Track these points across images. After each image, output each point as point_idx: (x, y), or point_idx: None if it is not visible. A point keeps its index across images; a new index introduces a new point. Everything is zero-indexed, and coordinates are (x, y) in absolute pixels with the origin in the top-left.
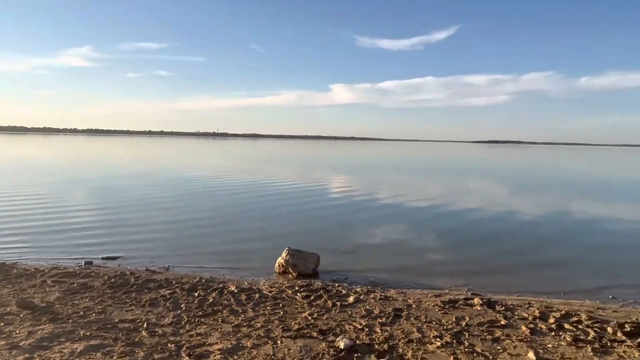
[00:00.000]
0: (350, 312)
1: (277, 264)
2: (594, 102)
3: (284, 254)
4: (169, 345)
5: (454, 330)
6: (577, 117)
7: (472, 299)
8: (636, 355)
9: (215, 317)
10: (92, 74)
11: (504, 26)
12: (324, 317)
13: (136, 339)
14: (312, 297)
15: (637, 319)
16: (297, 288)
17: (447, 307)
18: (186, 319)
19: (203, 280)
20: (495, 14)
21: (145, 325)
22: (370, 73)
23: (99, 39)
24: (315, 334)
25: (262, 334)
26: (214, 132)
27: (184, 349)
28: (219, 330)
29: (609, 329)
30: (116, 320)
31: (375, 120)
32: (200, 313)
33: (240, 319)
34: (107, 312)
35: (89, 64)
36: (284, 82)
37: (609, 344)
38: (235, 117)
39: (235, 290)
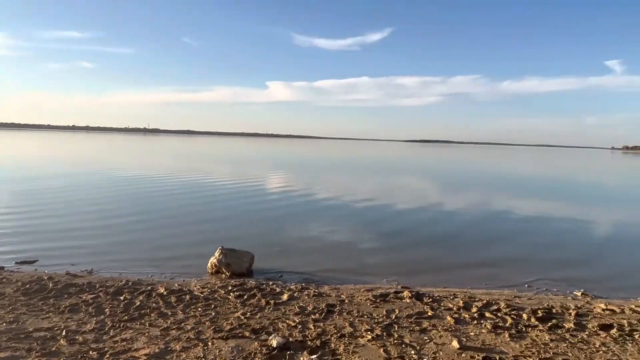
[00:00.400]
0: (283, 310)
1: (209, 264)
2: (516, 104)
3: (216, 254)
4: (90, 353)
5: (385, 323)
6: (501, 118)
7: (402, 292)
8: (546, 338)
9: (143, 321)
10: (8, 63)
11: (434, 31)
12: (257, 316)
13: (53, 348)
14: (245, 297)
15: (548, 305)
16: (230, 288)
17: (378, 300)
18: (110, 324)
19: (130, 283)
20: (427, 19)
21: (64, 333)
22: (307, 71)
23: (16, 25)
24: (247, 334)
25: (192, 336)
26: (144, 128)
27: (107, 356)
28: (146, 334)
29: (524, 315)
30: (30, 329)
31: (312, 119)
32: (126, 317)
33: (169, 321)
34: (19, 320)
35: (5, 52)
36: (219, 78)
37: (524, 329)
38: (168, 112)
39: (165, 292)
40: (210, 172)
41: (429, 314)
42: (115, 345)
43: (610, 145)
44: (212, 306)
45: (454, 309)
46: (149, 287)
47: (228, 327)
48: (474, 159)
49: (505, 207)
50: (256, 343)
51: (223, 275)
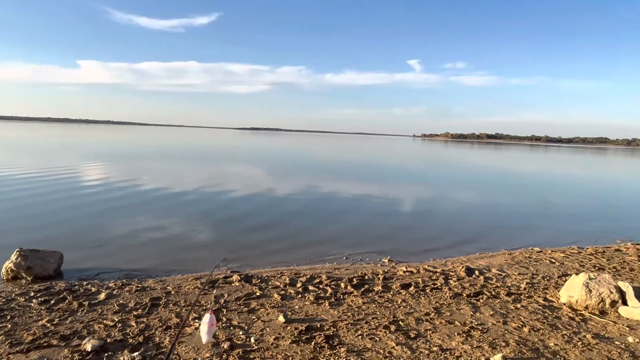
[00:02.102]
0: (100, 310)
1: (4, 270)
2: (337, 95)
3: (13, 257)
4: None
5: (213, 309)
6: (324, 107)
7: (231, 276)
8: (360, 302)
9: None
10: None
11: (262, 19)
12: (68, 321)
13: None
14: (52, 301)
15: (361, 273)
16: (32, 294)
17: (207, 288)
18: None
19: None
20: (255, 5)
21: None
22: (127, 52)
23: None
24: (55, 342)
25: None
26: None
27: None
28: None
29: (342, 284)
30: None
31: (134, 104)
32: None
33: None
34: None
35: None
36: (14, 53)
37: (341, 297)
38: None
39: None
40: (4, 162)
41: (258, 293)
42: None
43: (412, 133)
44: (8, 317)
45: (281, 286)
46: None
47: (30, 338)
48: (301, 146)
49: (327, 191)
50: (66, 350)
51: (23, 281)
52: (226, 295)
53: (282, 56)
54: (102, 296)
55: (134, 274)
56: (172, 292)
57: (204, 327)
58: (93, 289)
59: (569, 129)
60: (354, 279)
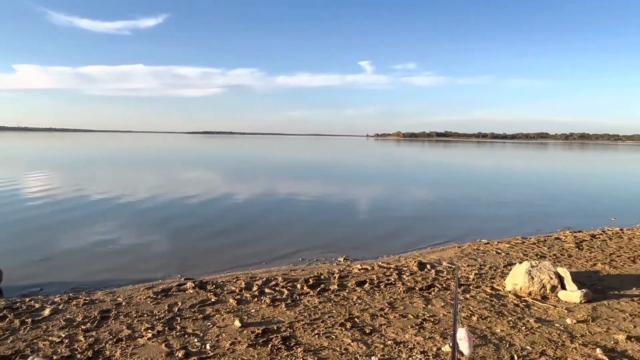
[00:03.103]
0: (45, 327)
1: None
2: (290, 98)
3: None
4: None
5: (166, 317)
6: (278, 110)
7: (185, 284)
8: (316, 302)
9: None
10: None
11: (212, 21)
12: (9, 341)
13: None
14: None
15: (317, 273)
16: None
17: (159, 297)
18: None
19: None
20: (203, 7)
21: None
22: (70, 55)
23: None
24: None
25: None
26: None
27: None
28: None
29: (298, 285)
30: None
31: (79, 110)
32: None
33: None
34: None
35: None
36: None
37: (298, 298)
38: None
39: None
40: None
41: (213, 300)
42: None
43: (366, 133)
44: None
45: (237, 290)
46: None
47: None
48: (255, 149)
49: (282, 194)
50: None
51: None
52: (180, 304)
53: (233, 59)
54: (46, 312)
55: (82, 287)
56: (123, 304)
57: (463, 343)
58: (37, 305)
59: (513, 125)
60: (310, 280)
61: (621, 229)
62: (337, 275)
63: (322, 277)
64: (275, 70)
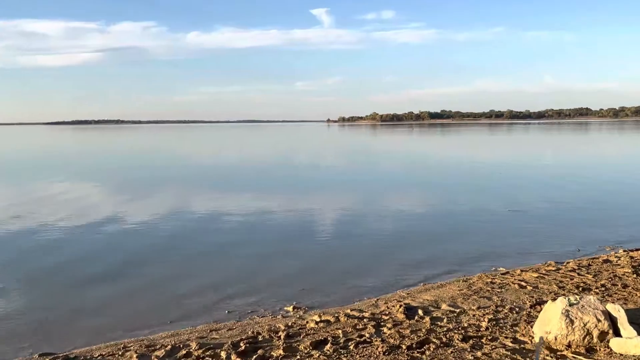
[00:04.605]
0: None
1: None
2: (206, 66)
3: None
4: None
5: None
6: (192, 85)
7: None
8: None
9: None
10: None
11: None
12: None
13: None
14: None
15: (253, 332)
16: None
17: None
18: None
19: None
20: None
21: None
22: None
23: None
24: None
25: None
26: None
27: None
28: None
29: (223, 354)
30: None
31: None
32: None
33: None
34: None
35: None
36: None
37: None
38: None
39: None
40: None
41: None
42: None
43: (326, 118)
44: None
45: None
46: None
47: None
48: (156, 147)
49: (199, 216)
50: None
51: None
52: None
53: (117, 6)
54: None
55: None
56: None
57: None
58: None
59: (539, 97)
60: (241, 343)
61: None
62: (283, 334)
63: (260, 338)
64: (184, 25)
